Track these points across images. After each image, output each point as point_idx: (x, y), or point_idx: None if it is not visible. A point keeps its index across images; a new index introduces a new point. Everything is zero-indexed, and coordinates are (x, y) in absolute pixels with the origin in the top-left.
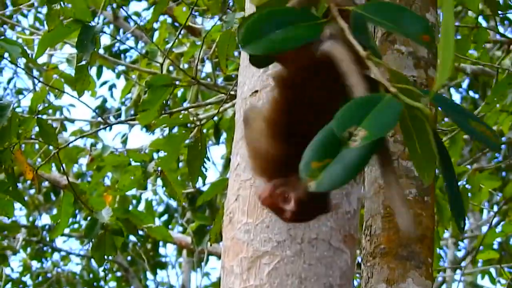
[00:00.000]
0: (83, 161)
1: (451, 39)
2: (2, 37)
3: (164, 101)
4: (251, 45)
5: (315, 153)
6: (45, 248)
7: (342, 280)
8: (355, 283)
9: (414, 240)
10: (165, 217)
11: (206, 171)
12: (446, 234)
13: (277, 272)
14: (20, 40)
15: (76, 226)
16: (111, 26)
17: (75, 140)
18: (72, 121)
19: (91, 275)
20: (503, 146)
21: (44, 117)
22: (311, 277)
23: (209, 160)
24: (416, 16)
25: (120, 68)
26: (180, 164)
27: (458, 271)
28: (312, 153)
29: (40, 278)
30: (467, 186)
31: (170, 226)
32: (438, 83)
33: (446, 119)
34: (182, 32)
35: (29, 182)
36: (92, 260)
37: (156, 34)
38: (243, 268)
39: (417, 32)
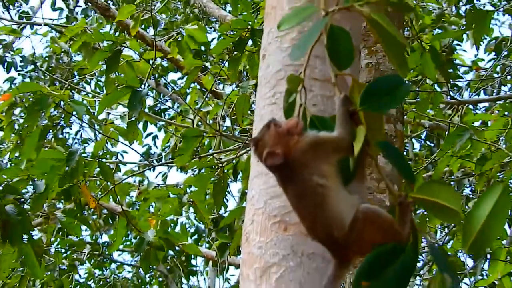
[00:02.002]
0: (133, 193)
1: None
2: (71, 100)
3: (195, 148)
4: None
5: (364, 274)
6: (105, 260)
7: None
8: None
9: None
10: (195, 236)
11: (227, 201)
12: None
13: (283, 279)
14: (84, 102)
15: (128, 243)
16: (154, 91)
17: (127, 178)
18: (124, 163)
19: (139, 280)
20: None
21: (103, 160)
22: (309, 283)
23: (229, 193)
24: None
25: (161, 123)
26: (207, 196)
27: (418, 278)
28: (361, 272)
29: (101, 283)
30: (425, 213)
31: (199, 243)
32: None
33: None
34: (208, 95)
35: (92, 210)
36: (140, 269)
37: (188, 97)
38: (256, 276)
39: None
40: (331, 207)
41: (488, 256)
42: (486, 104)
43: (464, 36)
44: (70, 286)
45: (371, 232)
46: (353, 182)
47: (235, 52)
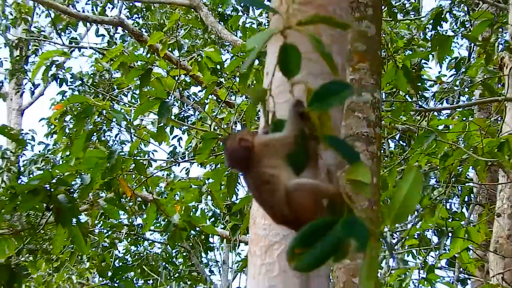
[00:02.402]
0: (162, 185)
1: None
2: (112, 109)
3: (212, 148)
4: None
5: (298, 242)
6: (139, 238)
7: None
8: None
9: None
10: (213, 219)
11: (238, 191)
12: (386, 229)
13: (283, 254)
14: (122, 110)
15: (157, 225)
16: (179, 101)
17: (156, 172)
18: (155, 160)
19: (167, 255)
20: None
21: (138, 158)
22: None
23: (239, 184)
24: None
25: (184, 127)
26: (222, 187)
27: (393, 252)
28: (295, 241)
29: (136, 257)
30: None
31: (215, 225)
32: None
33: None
34: (222, 105)
35: (128, 198)
36: (168, 245)
37: (207, 106)
38: (262, 252)
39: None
40: (281, 192)
41: (450, 234)
42: (448, 111)
43: (430, 56)
44: (111, 259)
45: (305, 199)
46: (306, 173)
47: (244, 70)
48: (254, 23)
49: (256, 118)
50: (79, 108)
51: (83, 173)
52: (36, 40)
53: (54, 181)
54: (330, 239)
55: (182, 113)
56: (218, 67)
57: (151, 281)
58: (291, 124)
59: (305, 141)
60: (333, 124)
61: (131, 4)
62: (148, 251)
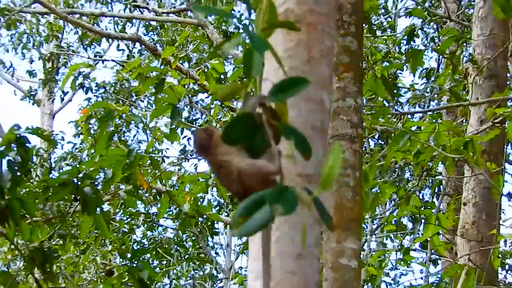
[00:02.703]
0: (174, 178)
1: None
2: (130, 113)
3: None
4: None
5: (241, 212)
6: (154, 225)
7: (316, 241)
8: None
9: (351, 220)
10: (217, 208)
11: None
12: (367, 216)
13: (281, 238)
14: (140, 114)
15: (170, 213)
16: (188, 106)
17: (169, 167)
18: (167, 157)
19: (178, 239)
20: (396, 169)
21: (153, 155)
22: (299, 240)
23: None
24: None
25: (193, 129)
26: None
27: (373, 236)
28: (240, 211)
29: (151, 241)
30: (378, 191)
31: (220, 213)
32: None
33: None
34: (226, 109)
35: (145, 190)
36: (179, 231)
37: (212, 111)
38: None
39: None
40: (234, 174)
41: (423, 221)
42: (420, 115)
43: (405, 67)
44: (130, 243)
45: (252, 178)
46: (263, 158)
47: (245, 79)
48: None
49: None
50: (102, 113)
51: (105, 169)
52: (66, 54)
53: (80, 175)
54: (265, 209)
55: (191, 116)
56: (222, 76)
57: (164, 262)
58: None
59: (262, 128)
60: (321, 125)
61: (147, 23)
62: (162, 236)
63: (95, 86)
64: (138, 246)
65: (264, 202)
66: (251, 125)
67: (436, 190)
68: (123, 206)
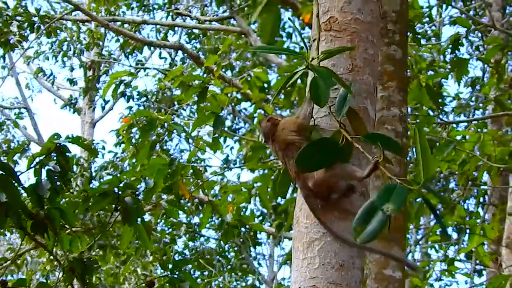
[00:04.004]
0: (217, 188)
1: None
2: (173, 122)
3: (260, 156)
4: None
5: (359, 221)
6: (196, 235)
7: (359, 253)
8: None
9: (396, 231)
10: (260, 218)
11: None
12: (412, 226)
13: (323, 249)
14: (182, 123)
15: (212, 223)
16: (231, 115)
17: (212, 177)
18: (210, 166)
19: (220, 249)
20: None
21: (195, 164)
22: (341, 251)
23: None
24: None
25: (236, 138)
26: (268, 190)
27: (417, 246)
28: (357, 221)
29: (193, 251)
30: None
31: (263, 223)
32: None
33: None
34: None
35: (187, 199)
36: (221, 241)
37: (255, 120)
38: (304, 247)
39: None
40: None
41: (468, 231)
42: (465, 124)
43: (449, 76)
44: (171, 254)
45: (333, 177)
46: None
47: (288, 88)
48: (296, 47)
49: None
50: (144, 121)
51: (147, 178)
52: (107, 62)
53: (121, 185)
54: (380, 216)
55: (234, 125)
56: (266, 85)
57: (206, 273)
58: (305, 108)
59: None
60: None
61: (189, 31)
62: (204, 246)
63: (137, 95)
64: (180, 257)
65: (377, 209)
66: (327, 150)
67: (481, 200)
68: (164, 216)
